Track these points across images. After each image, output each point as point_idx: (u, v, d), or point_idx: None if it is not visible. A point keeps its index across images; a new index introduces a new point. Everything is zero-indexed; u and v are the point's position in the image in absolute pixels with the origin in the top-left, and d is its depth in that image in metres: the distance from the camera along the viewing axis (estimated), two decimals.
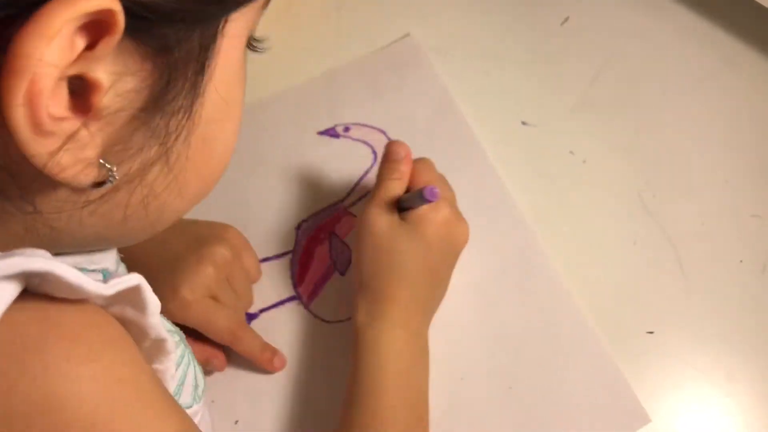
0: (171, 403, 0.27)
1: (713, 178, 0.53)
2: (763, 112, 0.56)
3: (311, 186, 0.57)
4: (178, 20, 0.22)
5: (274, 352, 0.49)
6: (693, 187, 0.53)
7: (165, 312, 0.40)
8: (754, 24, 0.59)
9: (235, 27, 0.25)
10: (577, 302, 0.49)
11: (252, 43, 0.29)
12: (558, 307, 0.50)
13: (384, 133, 0.59)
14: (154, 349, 0.31)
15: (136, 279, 0.27)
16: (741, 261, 0.50)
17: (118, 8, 0.19)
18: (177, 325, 0.44)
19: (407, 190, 0.49)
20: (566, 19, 0.62)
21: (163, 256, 0.46)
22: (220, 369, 0.49)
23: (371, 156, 0.58)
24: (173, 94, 0.24)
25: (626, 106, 0.57)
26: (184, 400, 0.37)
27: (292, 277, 0.53)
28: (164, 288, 0.44)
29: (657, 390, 0.46)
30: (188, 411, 0.36)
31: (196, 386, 0.39)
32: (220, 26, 0.25)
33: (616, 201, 0.53)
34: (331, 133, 0.59)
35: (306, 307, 0.52)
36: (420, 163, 0.50)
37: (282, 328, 0.51)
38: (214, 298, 0.47)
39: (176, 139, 0.26)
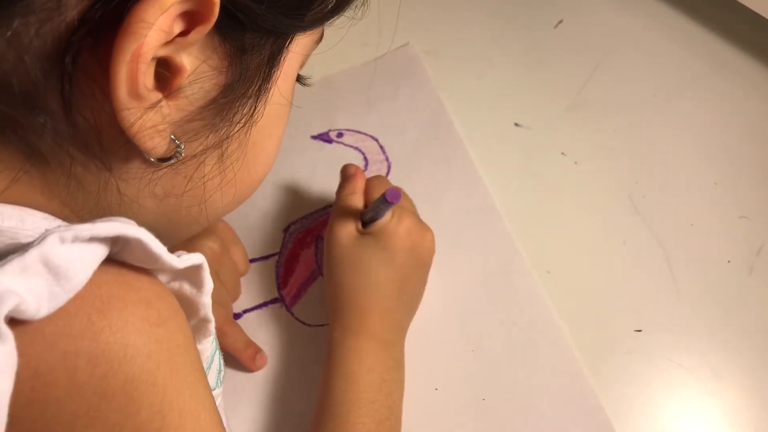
0: (206, 380, 0.33)
1: (702, 179, 0.60)
2: (752, 114, 0.63)
3: (301, 189, 0.64)
4: (261, 27, 0.29)
5: (257, 350, 0.55)
6: (682, 189, 0.60)
7: None
8: (744, 28, 0.67)
9: (298, 45, 0.33)
10: (557, 318, 0.56)
11: (299, 78, 0.37)
12: (537, 323, 0.56)
13: (377, 140, 0.66)
14: (198, 329, 0.37)
15: (201, 258, 0.33)
16: (729, 261, 0.56)
17: (217, 1, 0.26)
18: None
19: (365, 206, 0.55)
20: (560, 22, 0.70)
21: None
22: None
23: (363, 163, 0.65)
24: (242, 92, 0.31)
25: (617, 108, 0.64)
26: (209, 381, 0.43)
27: (277, 279, 0.60)
28: None
29: (644, 387, 0.53)
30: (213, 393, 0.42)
31: (219, 370, 0.45)
32: (288, 42, 0.32)
33: (606, 201, 0.60)
34: (324, 138, 0.67)
35: (288, 309, 0.59)
36: (374, 179, 0.56)
37: (264, 330, 0.58)
38: None
39: (235, 135, 0.33)
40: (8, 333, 0.23)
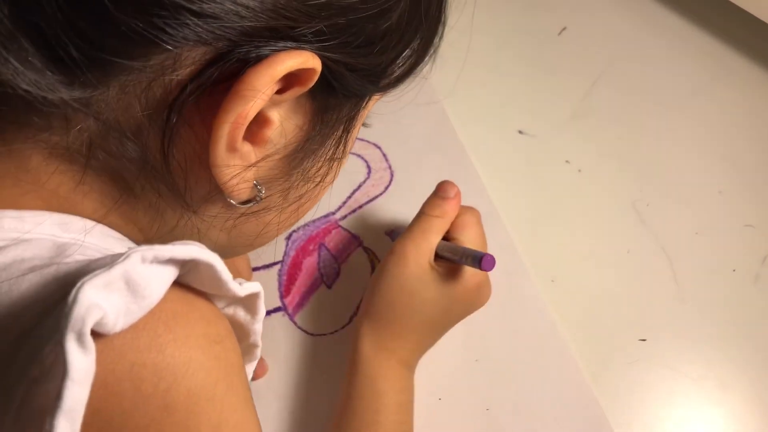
0: (253, 400, 0.34)
1: (707, 187, 0.61)
2: (757, 122, 0.64)
3: None
4: (347, 91, 0.32)
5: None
6: (687, 197, 0.61)
7: None
8: (749, 35, 0.68)
9: (369, 104, 0.37)
10: (560, 328, 0.56)
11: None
12: (540, 332, 0.57)
13: (380, 148, 0.67)
14: (246, 352, 0.39)
15: (259, 287, 0.35)
16: (734, 270, 0.57)
17: (319, 69, 0.29)
18: None
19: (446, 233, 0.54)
20: (563, 30, 0.71)
21: None
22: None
23: (365, 170, 0.66)
24: (319, 145, 0.34)
25: (622, 116, 0.65)
26: None
27: (279, 287, 0.61)
28: None
29: (648, 397, 0.53)
30: None
31: None
32: (365, 102, 0.36)
33: (610, 210, 0.61)
34: None
35: (291, 318, 0.59)
36: (468, 211, 0.55)
37: (266, 339, 0.58)
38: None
39: (315, 184, 0.37)
40: (92, 345, 0.24)
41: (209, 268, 0.30)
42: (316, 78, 0.29)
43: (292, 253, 0.62)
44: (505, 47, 0.71)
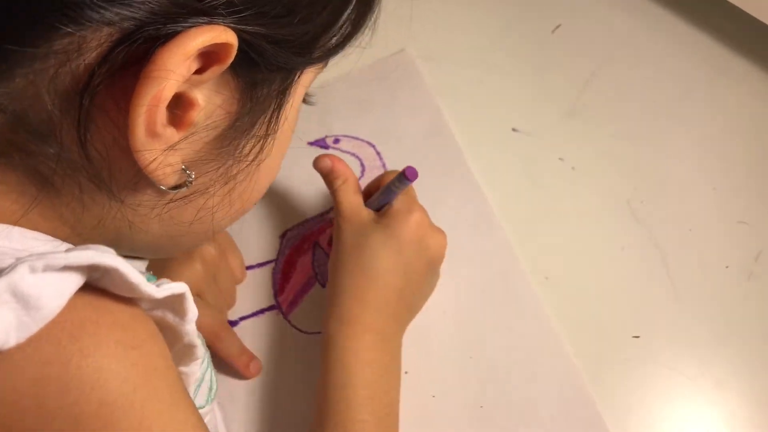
0: (190, 401, 0.34)
1: (701, 184, 0.62)
2: (751, 120, 0.65)
3: (298, 196, 0.65)
4: (272, 65, 0.30)
5: (251, 357, 0.56)
6: (681, 194, 0.61)
7: None
8: (745, 33, 0.68)
9: (305, 78, 0.35)
10: (555, 325, 0.57)
11: (305, 96, 0.39)
12: (535, 330, 0.57)
13: (373, 146, 0.67)
14: (183, 353, 0.38)
15: (183, 287, 0.34)
16: (727, 267, 0.58)
17: (235, 44, 0.28)
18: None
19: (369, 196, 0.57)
20: (558, 27, 0.71)
21: None
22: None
23: (359, 169, 0.66)
24: (251, 124, 0.33)
25: (616, 114, 0.66)
26: (198, 400, 0.44)
27: (274, 286, 0.61)
28: None
29: (643, 395, 0.54)
30: (200, 411, 0.42)
31: (210, 388, 0.46)
32: (297, 76, 0.34)
33: (604, 207, 0.61)
34: (320, 144, 0.68)
35: (285, 317, 0.60)
36: (386, 174, 0.58)
37: (260, 337, 0.59)
38: (200, 295, 0.54)
39: (249, 162, 0.35)
40: None
41: (115, 272, 0.29)
42: (233, 53, 0.28)
43: (287, 252, 0.63)
44: (498, 45, 0.71)
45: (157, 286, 0.32)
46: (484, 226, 0.62)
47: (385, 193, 0.54)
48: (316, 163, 0.57)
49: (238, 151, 0.34)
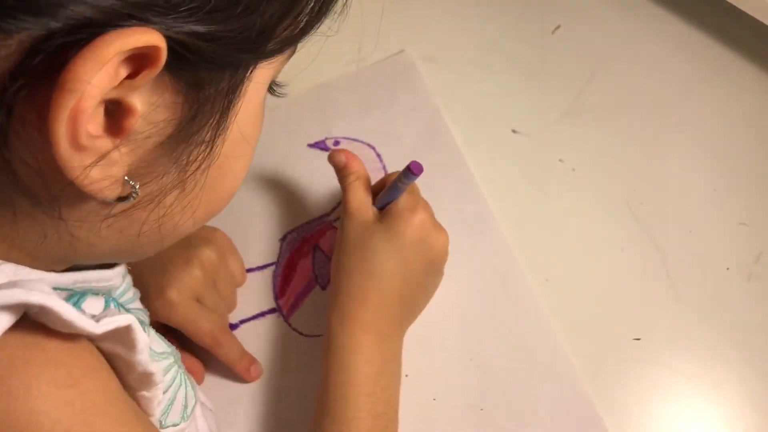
0: (145, 426, 0.33)
1: (701, 185, 0.62)
2: (751, 120, 0.65)
3: (298, 198, 0.65)
4: (213, 63, 0.28)
5: (252, 361, 0.56)
6: (681, 195, 0.61)
7: (150, 311, 0.48)
8: (743, 33, 0.68)
9: (261, 74, 0.32)
10: (555, 327, 0.57)
11: (273, 87, 0.37)
12: (534, 331, 0.57)
13: (373, 148, 0.67)
14: (141, 381, 0.37)
15: (126, 320, 0.32)
16: (728, 268, 0.58)
17: (163, 46, 0.25)
18: (164, 327, 0.52)
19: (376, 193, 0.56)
20: (557, 28, 0.71)
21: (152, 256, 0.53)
22: (198, 383, 0.55)
23: None
24: (198, 128, 0.30)
25: (615, 115, 0.66)
26: (172, 418, 0.43)
27: (274, 289, 0.61)
28: (151, 288, 0.52)
29: (643, 396, 0.54)
30: (175, 428, 0.42)
31: (185, 405, 0.45)
32: (249, 72, 0.31)
33: (604, 209, 0.61)
34: (321, 146, 0.68)
35: (285, 320, 0.60)
36: (391, 175, 0.57)
37: (261, 340, 0.59)
38: (200, 300, 0.54)
39: (197, 168, 0.32)
40: None
41: (45, 309, 0.28)
42: (162, 56, 0.25)
43: (287, 255, 0.63)
44: (498, 45, 0.71)
45: (97, 321, 0.31)
46: (484, 228, 0.62)
47: (391, 189, 0.54)
48: (331, 158, 0.57)
49: (185, 158, 0.31)
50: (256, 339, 0.59)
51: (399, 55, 0.72)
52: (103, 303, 0.36)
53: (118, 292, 0.42)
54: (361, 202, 0.54)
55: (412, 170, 0.51)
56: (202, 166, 0.32)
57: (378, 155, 0.67)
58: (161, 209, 0.33)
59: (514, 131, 0.66)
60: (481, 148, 0.65)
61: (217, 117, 0.31)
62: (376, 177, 0.65)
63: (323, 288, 0.61)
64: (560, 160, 0.64)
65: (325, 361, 0.51)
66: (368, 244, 0.52)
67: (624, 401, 0.54)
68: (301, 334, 0.59)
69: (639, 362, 0.55)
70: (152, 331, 0.43)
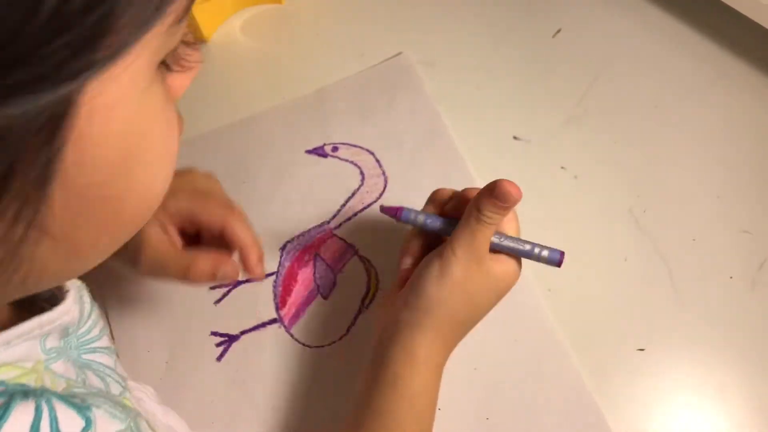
0: None
1: (704, 193, 0.61)
2: (754, 126, 0.64)
3: (297, 206, 0.64)
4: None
5: (262, 255, 0.54)
6: (684, 203, 0.61)
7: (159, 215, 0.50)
8: (745, 38, 0.68)
9: (110, 89, 0.25)
10: (561, 336, 0.57)
11: (169, 64, 0.30)
12: (540, 341, 0.57)
13: (373, 154, 0.67)
14: None
15: None
16: (731, 277, 0.58)
17: None
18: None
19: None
20: (558, 31, 0.71)
21: None
22: (234, 276, 0.52)
23: (359, 177, 0.66)
24: (19, 177, 0.24)
25: (618, 121, 0.65)
26: None
27: (275, 299, 0.61)
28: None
29: (649, 406, 0.54)
30: None
31: None
32: (74, 98, 0.23)
33: (607, 217, 0.61)
34: (319, 152, 0.67)
35: (287, 330, 0.59)
36: (468, 191, 0.54)
37: (262, 351, 0.58)
38: (197, 212, 0.53)
39: (37, 214, 0.25)
40: None
41: None
42: None
43: (287, 264, 0.62)
44: (499, 50, 0.70)
45: None
46: None
47: (522, 250, 0.51)
48: (505, 184, 0.49)
49: (18, 207, 0.25)
50: (257, 350, 0.58)
51: (397, 58, 0.71)
52: (32, 412, 0.30)
53: (81, 331, 0.41)
54: (485, 250, 0.50)
55: (559, 263, 0.51)
56: (45, 210, 0.26)
57: (377, 161, 0.66)
58: (23, 261, 0.27)
59: (515, 137, 0.65)
60: (482, 154, 0.65)
61: (42, 158, 0.24)
62: (376, 184, 0.64)
63: (325, 297, 0.60)
64: (562, 167, 0.63)
65: (384, 354, 0.50)
66: (484, 297, 0.51)
67: (629, 411, 0.54)
68: (302, 344, 0.59)
69: (644, 371, 0.55)
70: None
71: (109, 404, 0.36)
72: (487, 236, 0.49)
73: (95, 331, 0.43)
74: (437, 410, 0.54)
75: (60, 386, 0.36)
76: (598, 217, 0.61)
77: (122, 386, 0.43)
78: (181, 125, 0.32)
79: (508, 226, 0.52)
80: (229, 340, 0.59)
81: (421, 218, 0.52)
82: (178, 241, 0.53)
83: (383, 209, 0.53)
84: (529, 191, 0.63)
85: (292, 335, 0.59)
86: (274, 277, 0.61)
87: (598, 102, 0.66)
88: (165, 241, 0.51)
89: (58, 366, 0.38)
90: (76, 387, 0.38)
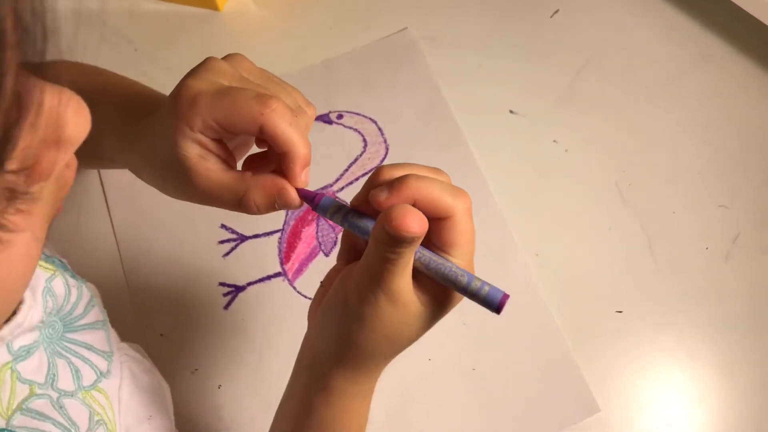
0: None
1: (686, 169, 0.65)
2: (737, 107, 0.68)
3: None
4: None
5: (307, 160, 0.43)
6: (667, 178, 0.65)
7: (171, 123, 0.39)
8: (732, 23, 0.71)
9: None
10: (544, 296, 0.60)
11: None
12: (526, 300, 0.61)
13: (375, 122, 0.70)
14: None
15: None
16: (707, 248, 0.61)
17: None
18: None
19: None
20: (556, 12, 0.74)
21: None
22: (293, 205, 0.42)
23: (361, 143, 0.69)
24: None
25: (609, 99, 0.69)
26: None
27: (279, 254, 0.64)
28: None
29: (623, 364, 0.58)
30: None
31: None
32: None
33: (594, 188, 0.64)
34: (324, 119, 0.70)
35: (290, 283, 0.63)
36: (459, 212, 0.40)
37: (267, 302, 0.62)
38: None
39: None
40: None
41: None
42: None
43: (292, 223, 0.65)
44: (498, 28, 0.73)
45: None
46: (481, 203, 0.65)
47: (454, 285, 0.40)
48: (392, 223, 0.36)
49: None
50: (262, 300, 0.62)
51: (402, 33, 0.74)
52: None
53: (64, 312, 0.43)
54: (408, 280, 0.39)
55: (498, 310, 0.39)
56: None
57: (380, 129, 0.69)
58: None
59: (511, 112, 0.69)
60: (479, 127, 0.68)
61: None
62: (378, 151, 0.68)
63: (326, 254, 0.64)
64: (554, 141, 0.67)
65: (318, 414, 0.44)
66: (408, 331, 0.42)
67: (605, 368, 0.58)
68: (304, 296, 0.62)
69: (621, 333, 0.59)
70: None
71: (58, 427, 0.37)
72: (396, 272, 0.38)
73: (80, 309, 0.44)
74: (428, 360, 0.58)
75: (21, 396, 0.37)
76: (586, 188, 0.65)
77: (99, 373, 0.44)
78: (71, 174, 0.29)
79: (460, 239, 0.40)
80: (236, 290, 0.63)
81: (338, 217, 0.41)
82: (222, 162, 0.42)
83: (300, 194, 0.42)
84: (522, 162, 0.66)
85: (294, 288, 0.63)
86: (279, 234, 0.65)
87: (591, 81, 0.70)
88: (211, 169, 0.41)
89: (31, 363, 0.38)
90: (37, 396, 0.38)
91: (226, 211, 0.43)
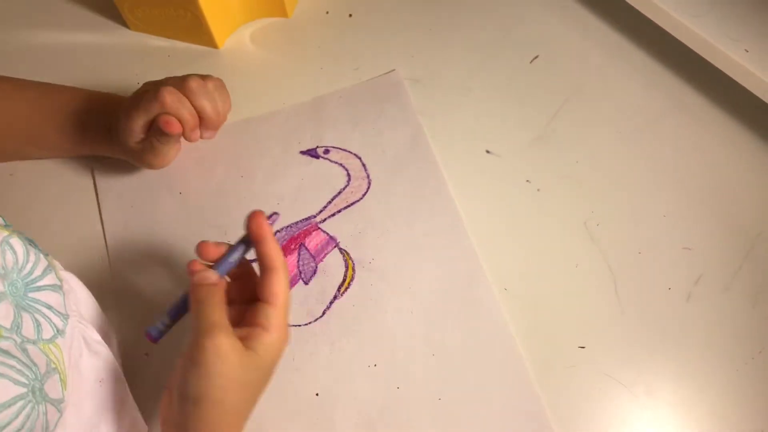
0: None
1: (653, 211, 0.67)
2: (704, 155, 0.70)
3: (288, 200, 0.70)
4: None
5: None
6: (634, 219, 0.66)
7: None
8: (700, 74, 0.74)
9: None
10: (511, 330, 0.62)
11: None
12: (493, 333, 0.62)
13: (359, 158, 0.73)
14: None
15: None
16: (669, 288, 0.63)
17: None
18: None
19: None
20: (535, 58, 0.76)
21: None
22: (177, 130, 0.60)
23: (345, 178, 0.72)
24: None
25: (581, 142, 0.71)
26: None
27: None
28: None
29: (584, 398, 0.59)
30: None
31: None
32: None
33: (563, 227, 0.66)
34: (312, 153, 0.73)
35: None
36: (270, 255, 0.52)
37: None
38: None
39: None
40: None
41: None
42: None
43: None
44: (480, 72, 0.76)
45: None
46: (454, 237, 0.67)
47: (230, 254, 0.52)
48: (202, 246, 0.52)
49: None
50: None
51: (389, 74, 0.77)
52: None
53: (24, 273, 0.46)
54: (223, 326, 0.46)
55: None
56: None
57: (363, 165, 0.72)
58: None
59: (488, 151, 0.71)
60: (457, 164, 0.70)
61: None
62: (360, 185, 0.70)
63: (306, 283, 0.66)
64: (527, 181, 0.69)
65: None
66: (251, 380, 0.47)
67: (567, 401, 0.59)
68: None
69: (583, 367, 0.60)
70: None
71: (15, 370, 0.40)
72: (213, 320, 0.45)
73: (38, 271, 0.47)
74: (397, 389, 0.60)
75: None
76: (556, 227, 0.67)
77: (56, 330, 0.47)
78: None
79: (273, 287, 0.50)
80: None
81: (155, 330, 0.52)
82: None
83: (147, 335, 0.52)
84: (496, 200, 0.69)
85: None
86: None
87: (565, 124, 0.72)
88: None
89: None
90: (3, 338, 0.41)
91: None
